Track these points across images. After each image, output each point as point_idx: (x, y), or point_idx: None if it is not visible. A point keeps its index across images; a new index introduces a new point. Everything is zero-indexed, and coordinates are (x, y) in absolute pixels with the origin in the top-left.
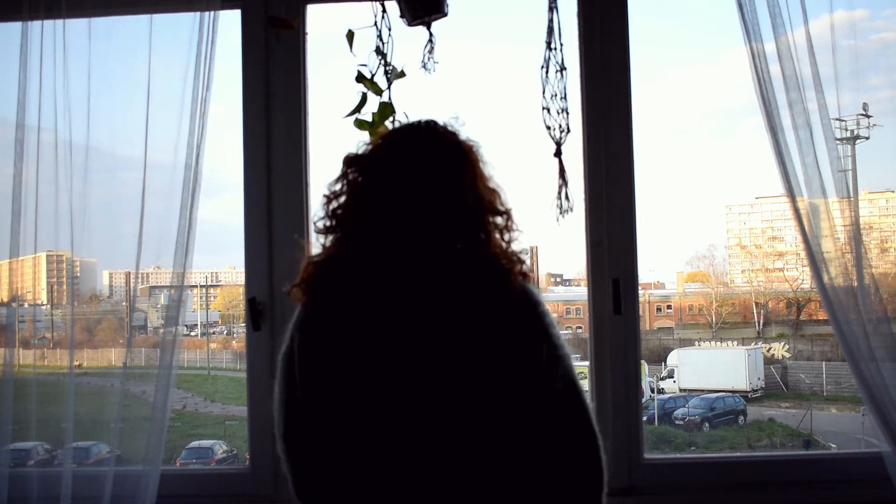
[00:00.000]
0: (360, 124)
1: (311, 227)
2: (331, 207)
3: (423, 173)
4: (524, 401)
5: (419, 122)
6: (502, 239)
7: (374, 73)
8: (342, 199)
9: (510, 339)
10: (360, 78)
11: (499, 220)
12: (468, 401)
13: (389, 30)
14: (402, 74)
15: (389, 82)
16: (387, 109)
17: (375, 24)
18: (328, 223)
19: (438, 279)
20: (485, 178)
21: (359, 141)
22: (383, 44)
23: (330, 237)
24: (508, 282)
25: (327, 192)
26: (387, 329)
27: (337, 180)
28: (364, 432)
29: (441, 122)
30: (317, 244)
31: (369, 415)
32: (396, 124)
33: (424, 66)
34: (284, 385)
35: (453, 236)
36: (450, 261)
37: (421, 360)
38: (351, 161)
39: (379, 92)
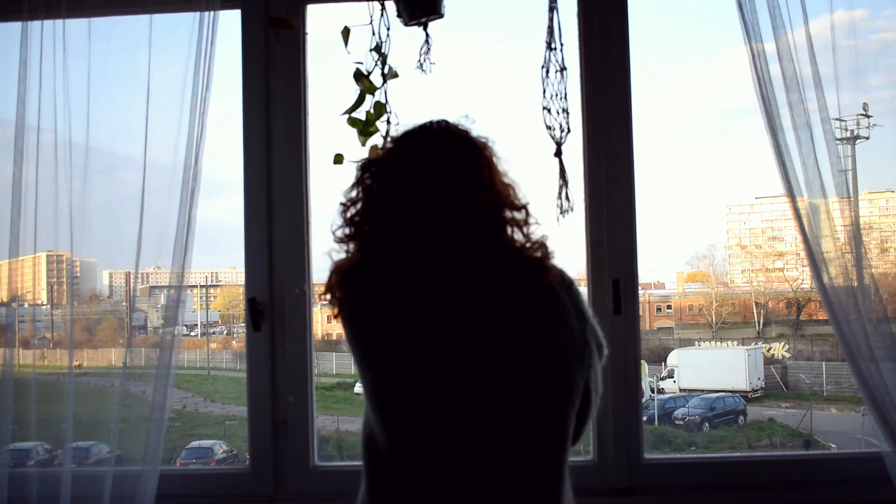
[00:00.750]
0: (353, 122)
1: (311, 228)
2: (348, 215)
3: (440, 172)
4: (575, 377)
5: (431, 122)
6: (521, 233)
7: (370, 71)
8: (359, 205)
9: (558, 322)
10: (359, 76)
11: (517, 214)
12: (530, 385)
13: (388, 29)
14: (395, 75)
15: (384, 81)
16: (381, 109)
17: (371, 22)
18: (347, 231)
19: (477, 273)
20: (500, 173)
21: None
22: (382, 42)
23: (351, 245)
24: (544, 268)
25: (344, 200)
26: (441, 328)
27: (352, 187)
28: (432, 432)
29: (452, 122)
30: (317, 247)
31: (437, 414)
32: (389, 124)
33: (420, 67)
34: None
35: (473, 233)
36: (482, 255)
37: (477, 355)
38: (366, 167)
39: (373, 90)
